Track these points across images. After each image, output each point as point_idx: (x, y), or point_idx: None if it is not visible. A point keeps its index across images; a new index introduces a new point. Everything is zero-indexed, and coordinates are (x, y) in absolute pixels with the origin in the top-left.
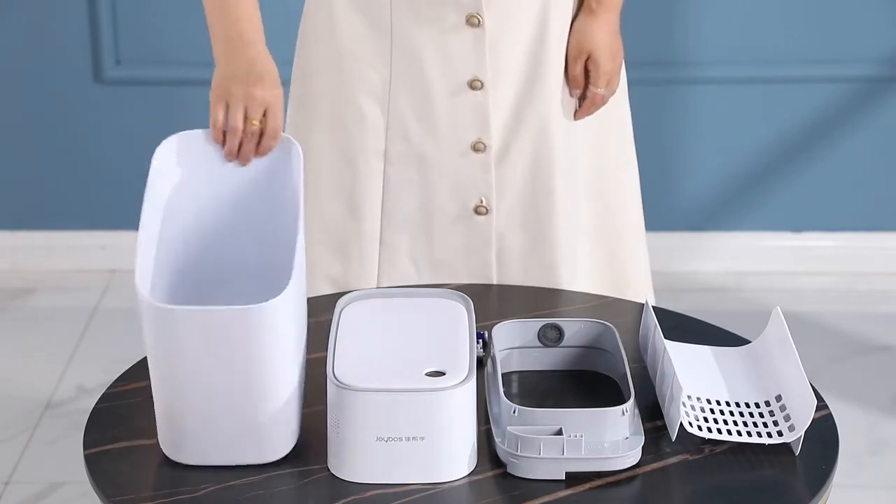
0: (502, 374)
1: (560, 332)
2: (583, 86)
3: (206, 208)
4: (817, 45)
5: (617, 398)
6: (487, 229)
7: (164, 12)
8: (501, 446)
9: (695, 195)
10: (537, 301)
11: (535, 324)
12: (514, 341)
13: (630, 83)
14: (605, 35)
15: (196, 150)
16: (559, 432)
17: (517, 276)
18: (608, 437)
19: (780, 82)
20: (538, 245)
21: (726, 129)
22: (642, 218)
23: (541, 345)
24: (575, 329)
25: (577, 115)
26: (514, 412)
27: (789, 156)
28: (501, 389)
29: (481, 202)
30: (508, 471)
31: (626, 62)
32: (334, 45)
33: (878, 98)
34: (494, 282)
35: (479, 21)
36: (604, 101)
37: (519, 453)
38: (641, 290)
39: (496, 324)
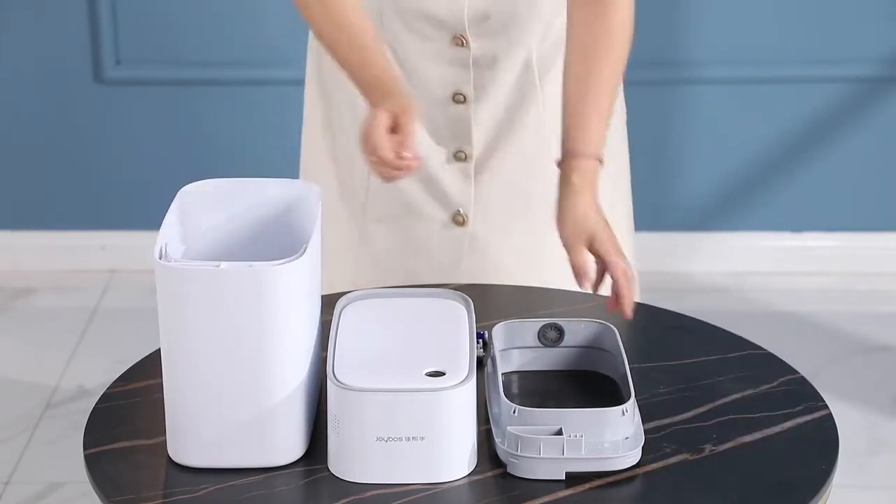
0: (502, 374)
1: (560, 332)
2: (594, 275)
3: (223, 247)
4: (817, 45)
5: (617, 398)
6: (461, 240)
7: (164, 12)
8: (501, 446)
9: (695, 195)
10: (537, 301)
11: (535, 324)
12: (515, 341)
13: (630, 83)
14: (594, 209)
15: (215, 196)
16: (559, 432)
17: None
18: (608, 437)
19: (780, 82)
20: (522, 259)
21: (726, 129)
22: (630, 219)
23: (541, 345)
24: (575, 329)
25: (621, 307)
26: (514, 412)
27: (789, 156)
28: (501, 389)
29: (459, 211)
30: (508, 471)
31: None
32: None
33: (878, 98)
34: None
35: (464, 42)
36: (628, 271)
37: (519, 453)
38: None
39: (496, 324)
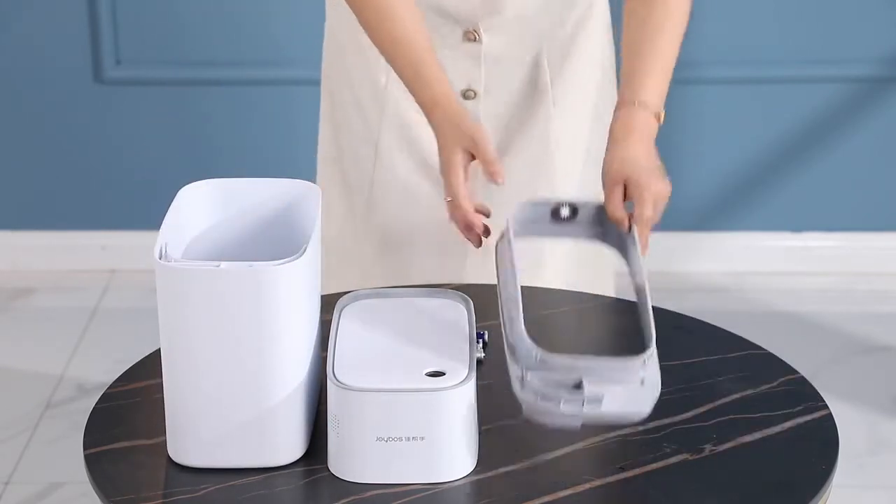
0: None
1: (574, 210)
2: (626, 219)
3: (223, 247)
4: (817, 45)
5: (632, 331)
6: None
7: (164, 12)
8: (520, 392)
9: (695, 195)
10: (538, 301)
11: (548, 204)
12: (528, 221)
13: None
14: (640, 156)
15: (215, 196)
16: (579, 384)
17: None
18: (626, 386)
19: (780, 82)
20: (525, 258)
21: (726, 129)
22: None
23: (553, 221)
24: (589, 208)
25: (644, 250)
26: (536, 357)
27: (789, 156)
28: (522, 320)
29: None
30: (524, 414)
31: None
32: (347, 34)
33: (878, 98)
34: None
35: (476, 37)
36: (652, 221)
37: (539, 403)
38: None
39: (506, 236)
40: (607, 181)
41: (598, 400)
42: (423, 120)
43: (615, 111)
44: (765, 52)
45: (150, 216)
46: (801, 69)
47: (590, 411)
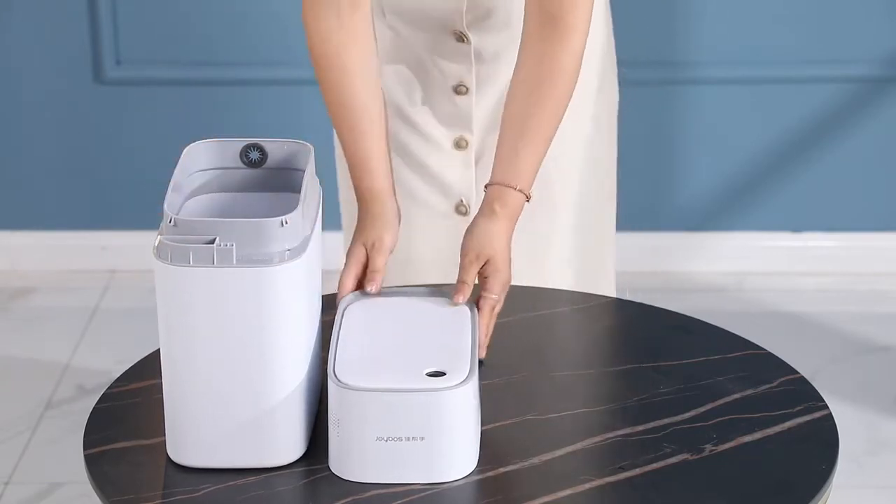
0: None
1: (263, 152)
2: (468, 293)
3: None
4: (817, 46)
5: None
6: (463, 230)
7: (164, 12)
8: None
9: (695, 195)
10: (539, 300)
11: (237, 143)
12: (213, 162)
13: (629, 83)
14: (505, 241)
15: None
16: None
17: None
18: (266, 248)
19: (780, 82)
20: (522, 251)
21: (726, 129)
22: (614, 218)
23: (243, 165)
24: (276, 149)
25: (483, 337)
26: (171, 222)
27: (789, 156)
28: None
29: (461, 201)
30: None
31: (625, 62)
32: None
33: (878, 98)
34: None
35: (465, 38)
36: (497, 308)
37: (171, 264)
38: (606, 289)
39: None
40: (470, 255)
41: (229, 255)
42: (406, 126)
43: (491, 185)
44: (765, 52)
45: (150, 216)
46: (801, 69)
47: (223, 265)
